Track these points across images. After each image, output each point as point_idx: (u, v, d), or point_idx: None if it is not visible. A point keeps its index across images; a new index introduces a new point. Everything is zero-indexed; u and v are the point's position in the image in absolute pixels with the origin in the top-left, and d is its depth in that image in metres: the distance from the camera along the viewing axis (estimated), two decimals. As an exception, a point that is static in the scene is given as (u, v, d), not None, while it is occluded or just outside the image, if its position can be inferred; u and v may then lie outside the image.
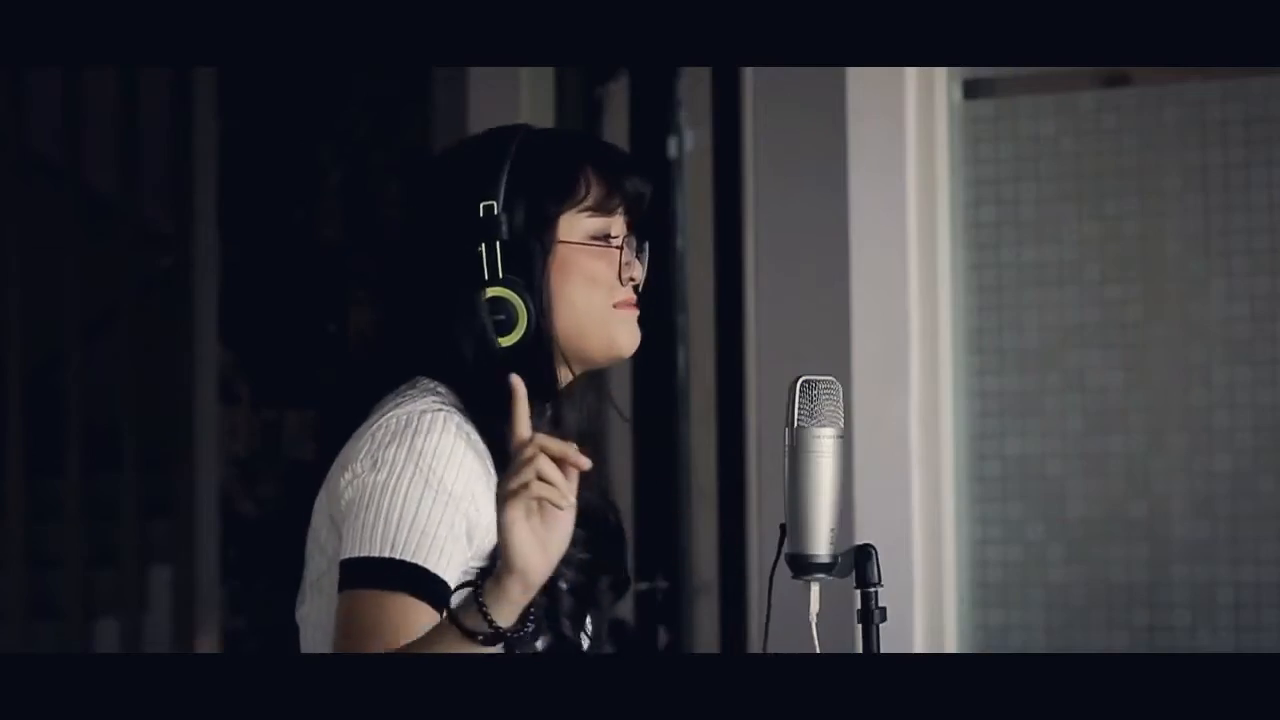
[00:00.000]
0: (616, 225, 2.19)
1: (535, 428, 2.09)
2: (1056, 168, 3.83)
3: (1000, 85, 3.85)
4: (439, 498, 2.02)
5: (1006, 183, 3.84)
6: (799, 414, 2.09)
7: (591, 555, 2.16)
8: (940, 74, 3.81)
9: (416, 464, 2.03)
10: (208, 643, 5.15)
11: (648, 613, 4.15)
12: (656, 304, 4.25)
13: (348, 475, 2.05)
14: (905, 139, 3.78)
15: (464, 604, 1.92)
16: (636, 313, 2.21)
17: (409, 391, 2.11)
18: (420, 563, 2.00)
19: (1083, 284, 3.80)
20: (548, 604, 2.08)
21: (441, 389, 2.11)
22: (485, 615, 1.88)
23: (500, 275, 2.11)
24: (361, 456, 2.06)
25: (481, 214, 2.12)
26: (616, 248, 2.18)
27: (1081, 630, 3.76)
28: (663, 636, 4.15)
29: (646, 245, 2.23)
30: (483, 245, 2.11)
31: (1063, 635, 3.77)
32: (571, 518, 1.90)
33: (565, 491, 1.87)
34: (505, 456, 2.03)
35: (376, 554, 2.00)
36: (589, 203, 2.17)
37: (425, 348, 2.14)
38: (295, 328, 5.11)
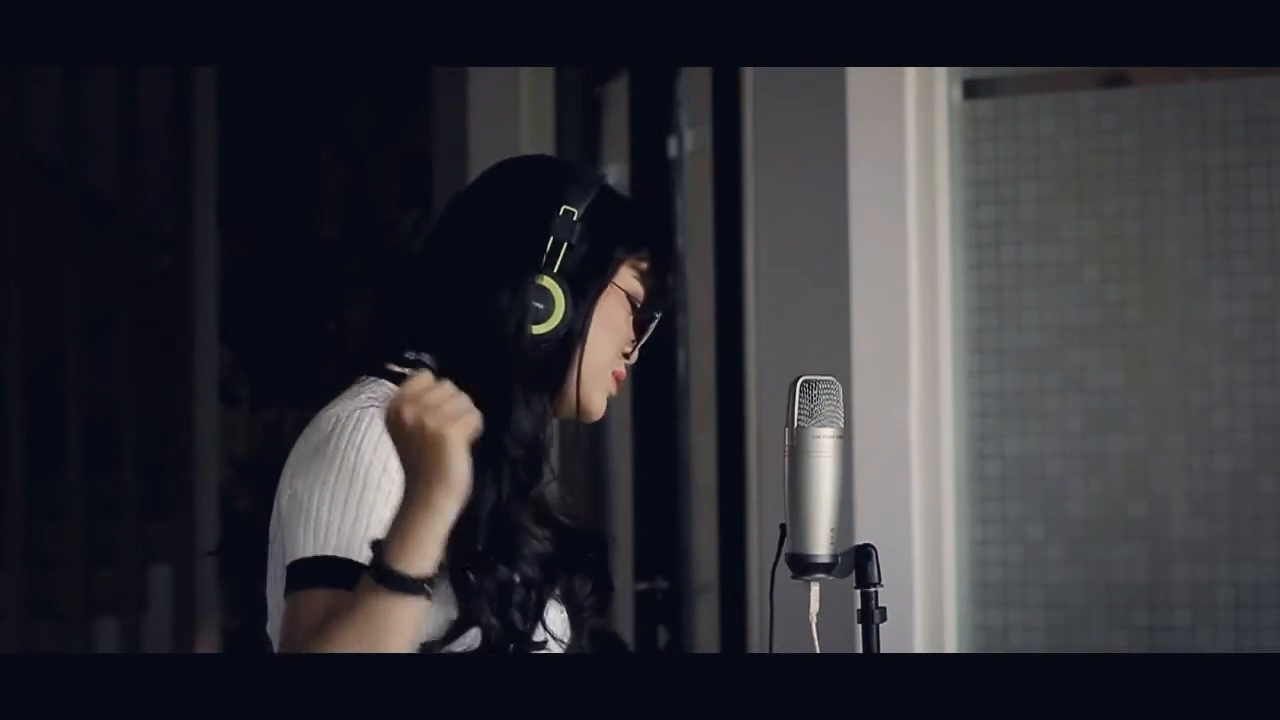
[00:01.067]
0: (641, 300, 2.22)
1: (523, 411, 2.11)
2: (1056, 168, 3.83)
3: (1000, 85, 3.85)
4: (365, 493, 2.02)
5: (1006, 183, 3.84)
6: (799, 414, 2.09)
7: (558, 552, 2.16)
8: (940, 74, 3.81)
9: (341, 463, 2.03)
10: (208, 643, 5.15)
11: (648, 613, 4.15)
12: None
13: (283, 483, 2.06)
14: (905, 139, 3.78)
15: (378, 561, 1.93)
16: (615, 391, 2.23)
17: (348, 392, 2.11)
18: (353, 557, 1.99)
19: (1083, 284, 3.80)
20: (497, 591, 2.08)
21: (385, 386, 2.10)
22: (400, 573, 1.91)
23: (555, 271, 2.13)
24: (293, 463, 2.06)
25: (561, 213, 2.14)
26: (649, 319, 2.21)
27: (1081, 630, 3.76)
28: (663, 636, 4.15)
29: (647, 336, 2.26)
30: (552, 239, 2.14)
31: (1063, 635, 3.77)
32: None
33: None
34: (491, 423, 2.03)
35: (309, 554, 2.00)
36: (643, 267, 2.20)
37: (446, 320, 2.14)
38: (295, 328, 5.12)
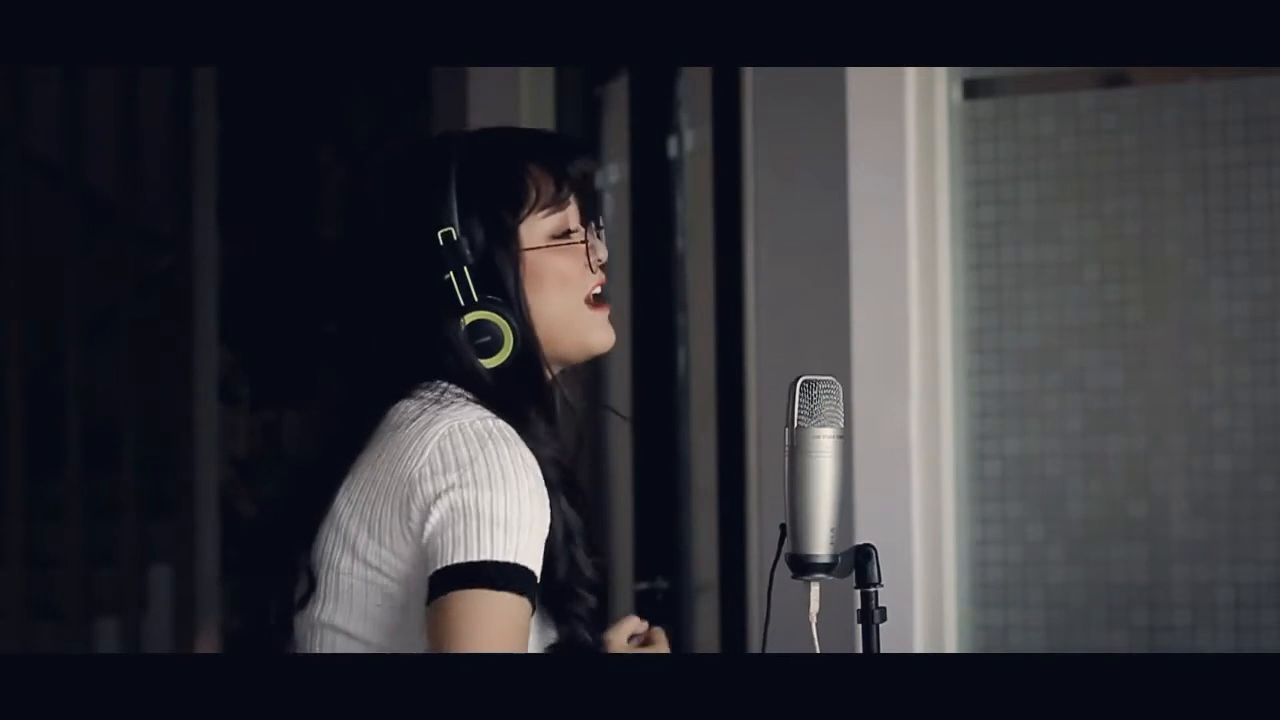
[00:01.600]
0: (572, 216, 2.18)
1: (539, 436, 2.11)
2: (1056, 168, 3.83)
3: (1000, 85, 3.85)
4: (527, 504, 2.03)
5: (1006, 183, 3.84)
6: (799, 414, 2.09)
7: (598, 554, 2.19)
8: (940, 74, 3.81)
9: (504, 475, 2.03)
10: (208, 643, 5.15)
11: (648, 613, 4.14)
12: (656, 304, 4.28)
13: (429, 490, 2.04)
14: (905, 139, 3.78)
15: None
16: (608, 311, 2.20)
17: (442, 397, 2.10)
18: (519, 562, 2.01)
19: (1083, 284, 3.80)
20: (589, 613, 2.12)
21: (469, 394, 2.11)
22: None
23: (475, 299, 2.10)
24: (442, 471, 2.04)
25: (442, 242, 2.10)
26: (580, 241, 2.17)
27: (1081, 630, 3.76)
28: (662, 636, 4.14)
29: (601, 220, 2.22)
30: (451, 273, 2.10)
31: (1063, 635, 3.77)
32: None
33: None
34: None
35: (484, 557, 2.00)
36: (543, 202, 2.15)
37: (420, 364, 2.13)
38: (295, 328, 5.12)
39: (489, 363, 2.12)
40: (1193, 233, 3.74)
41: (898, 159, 3.78)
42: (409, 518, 2.05)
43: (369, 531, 2.07)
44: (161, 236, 5.49)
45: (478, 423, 2.06)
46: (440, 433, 2.06)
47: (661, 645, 2.30)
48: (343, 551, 2.09)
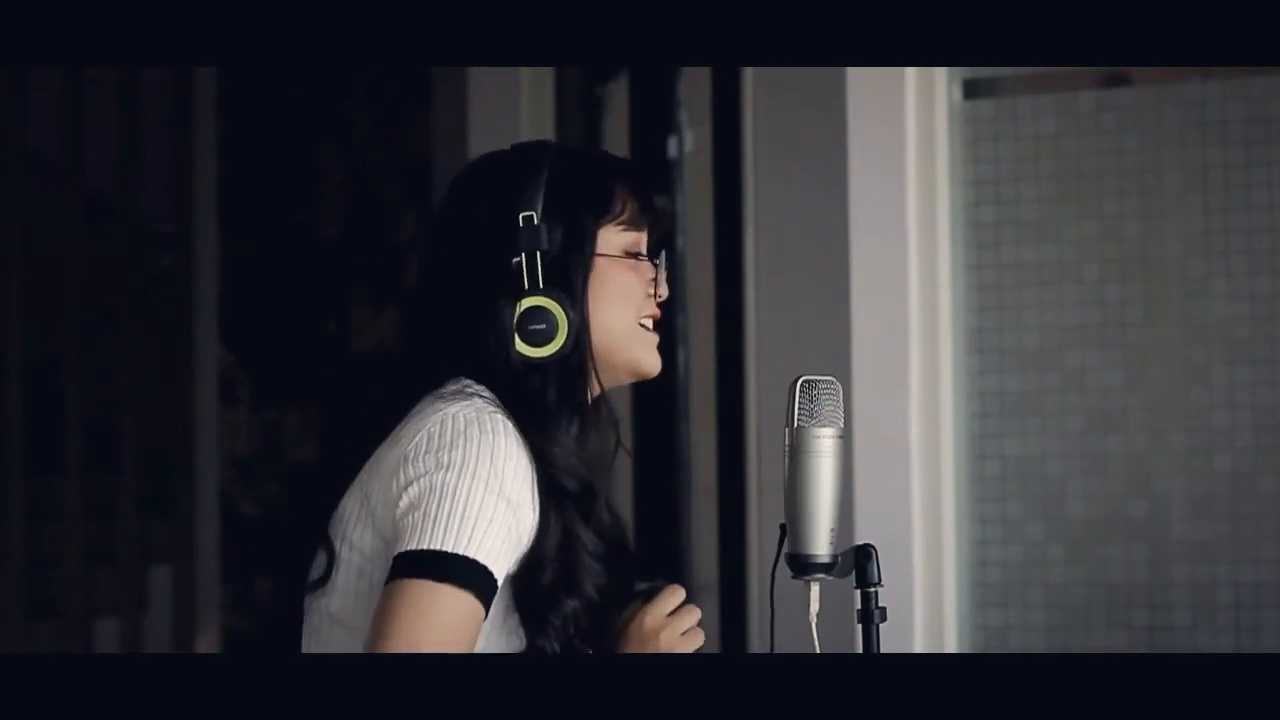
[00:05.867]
0: (644, 242, 2.22)
1: (562, 442, 2.12)
2: (1056, 168, 3.83)
3: (1000, 85, 3.85)
4: (500, 500, 2.03)
5: (1006, 183, 3.84)
6: (799, 414, 2.09)
7: (611, 578, 2.18)
8: (940, 74, 3.81)
9: (478, 464, 2.03)
10: (208, 643, 5.15)
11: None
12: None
13: (409, 473, 2.05)
14: (905, 139, 3.78)
15: None
16: (658, 337, 2.22)
17: (457, 391, 2.11)
18: (476, 557, 2.00)
19: (1083, 284, 3.80)
20: (563, 623, 2.10)
21: (486, 392, 2.11)
22: None
23: (541, 285, 2.12)
24: (423, 454, 2.05)
25: (522, 224, 2.13)
26: (652, 263, 2.21)
27: (1081, 630, 3.76)
28: (663, 636, 4.14)
29: (668, 263, 2.26)
30: (523, 255, 2.12)
31: (1063, 635, 3.77)
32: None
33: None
34: (539, 463, 2.07)
35: (438, 547, 2.00)
36: (624, 218, 2.19)
37: (462, 354, 2.14)
38: (295, 328, 5.11)
39: (536, 352, 2.12)
40: (1193, 233, 3.75)
41: (898, 159, 3.78)
42: (391, 498, 2.05)
43: (361, 512, 2.09)
44: (161, 236, 5.49)
45: (470, 412, 2.06)
46: (437, 418, 2.06)
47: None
48: (340, 541, 2.11)
